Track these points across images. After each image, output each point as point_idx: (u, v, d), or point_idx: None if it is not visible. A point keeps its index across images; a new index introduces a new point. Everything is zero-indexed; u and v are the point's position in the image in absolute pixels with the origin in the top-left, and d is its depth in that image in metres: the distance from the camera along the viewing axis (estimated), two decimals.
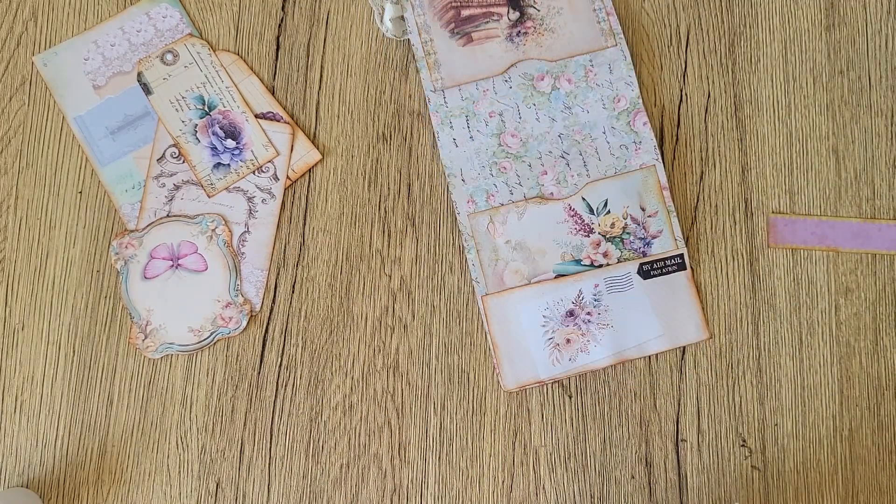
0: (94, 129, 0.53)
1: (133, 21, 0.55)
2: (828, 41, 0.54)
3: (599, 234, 0.51)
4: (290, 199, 0.53)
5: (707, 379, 0.50)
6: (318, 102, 0.54)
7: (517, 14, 0.54)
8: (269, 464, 0.50)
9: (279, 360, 0.51)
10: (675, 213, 0.51)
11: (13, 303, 0.52)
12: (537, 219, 0.52)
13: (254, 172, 0.53)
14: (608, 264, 0.51)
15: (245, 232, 0.52)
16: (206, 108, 0.53)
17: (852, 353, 0.50)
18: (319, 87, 0.54)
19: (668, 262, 0.51)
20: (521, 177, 0.52)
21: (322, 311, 0.51)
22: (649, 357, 0.50)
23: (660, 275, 0.51)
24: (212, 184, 0.53)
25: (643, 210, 0.51)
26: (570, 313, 0.51)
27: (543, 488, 0.49)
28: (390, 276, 0.52)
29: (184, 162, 0.53)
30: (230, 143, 0.53)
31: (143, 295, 0.52)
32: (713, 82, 0.53)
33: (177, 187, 0.53)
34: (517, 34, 0.54)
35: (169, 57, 0.54)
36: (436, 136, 0.53)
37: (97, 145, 0.53)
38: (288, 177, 0.53)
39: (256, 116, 0.53)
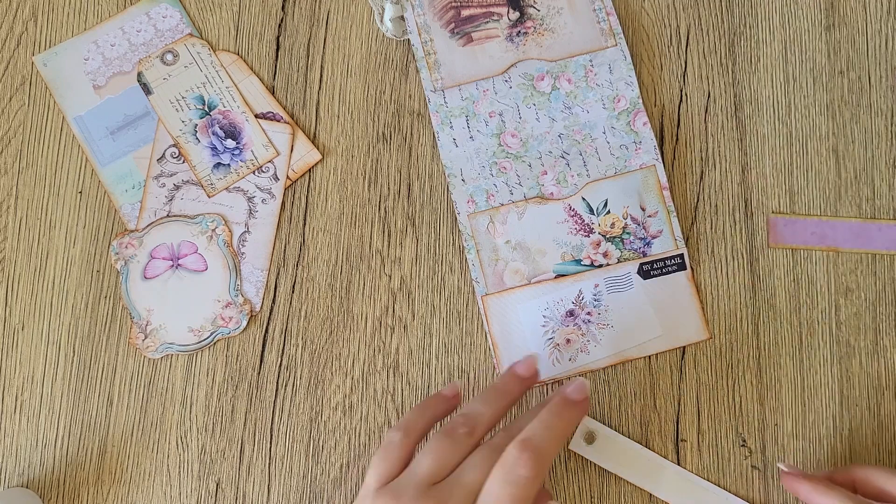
0: (94, 129, 0.53)
1: (133, 21, 0.55)
2: (828, 41, 0.54)
3: (599, 234, 0.51)
4: (290, 199, 0.53)
5: (707, 379, 0.50)
6: (318, 102, 0.54)
7: (517, 14, 0.54)
8: (269, 464, 0.50)
9: (279, 360, 0.51)
10: (675, 213, 0.51)
11: (13, 303, 0.52)
12: (537, 219, 0.52)
13: (254, 172, 0.53)
14: (608, 264, 0.51)
15: (245, 232, 0.52)
16: (206, 108, 0.53)
17: (852, 353, 0.50)
18: (319, 87, 0.54)
19: (668, 262, 0.51)
20: (521, 177, 0.52)
21: (322, 311, 0.51)
22: (649, 357, 0.50)
23: (660, 275, 0.51)
24: (212, 184, 0.53)
25: (643, 210, 0.51)
26: (570, 313, 0.51)
27: (543, 488, 0.49)
28: (390, 276, 0.52)
29: (184, 162, 0.53)
30: (230, 143, 0.53)
31: (143, 295, 0.52)
32: (713, 82, 0.53)
33: (177, 187, 0.53)
34: (517, 34, 0.54)
35: (169, 57, 0.54)
36: (436, 136, 0.53)
37: (97, 145, 0.53)
38: (288, 177, 0.53)
39: (256, 116, 0.53)
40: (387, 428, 0.50)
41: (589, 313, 0.50)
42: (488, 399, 0.43)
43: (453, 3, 0.54)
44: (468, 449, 0.40)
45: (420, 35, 0.54)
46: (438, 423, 0.45)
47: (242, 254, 0.52)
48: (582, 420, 0.44)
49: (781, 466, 0.46)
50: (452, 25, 0.54)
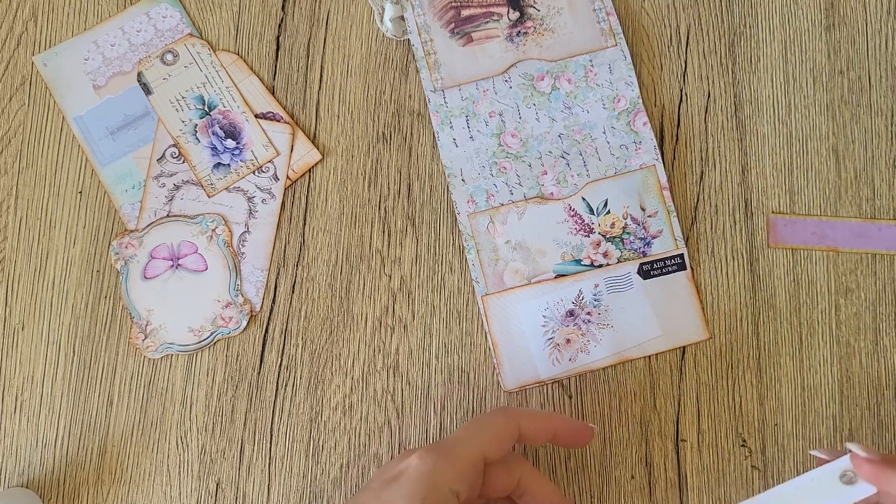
0: (94, 129, 0.53)
1: (133, 21, 0.55)
2: (828, 41, 0.54)
3: (599, 234, 0.51)
4: (290, 199, 0.53)
5: (707, 379, 0.50)
6: (318, 102, 0.54)
7: (517, 14, 0.54)
8: (269, 464, 0.50)
9: (279, 360, 0.51)
10: (675, 213, 0.51)
11: (13, 303, 0.52)
12: (537, 219, 0.52)
13: (254, 172, 0.53)
14: (608, 264, 0.51)
15: (245, 232, 0.52)
16: (206, 108, 0.53)
17: (852, 353, 0.50)
18: (319, 87, 0.54)
19: (668, 262, 0.51)
20: (521, 177, 0.52)
21: (322, 311, 0.51)
22: (649, 357, 0.50)
23: (660, 275, 0.51)
24: (212, 184, 0.53)
25: (643, 210, 0.51)
26: (570, 313, 0.51)
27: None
28: (390, 276, 0.52)
29: (184, 162, 0.53)
30: (230, 143, 0.53)
31: (143, 295, 0.52)
32: (713, 82, 0.53)
33: (177, 187, 0.53)
34: (517, 34, 0.54)
35: (169, 57, 0.54)
36: (436, 136, 0.53)
37: (97, 145, 0.53)
38: (288, 177, 0.53)
39: (256, 116, 0.53)
40: (387, 428, 0.50)
41: (589, 313, 0.50)
42: None
43: (453, 3, 0.54)
44: None
45: (420, 35, 0.54)
46: None
47: (242, 254, 0.52)
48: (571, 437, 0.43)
49: (853, 448, 0.38)
50: (452, 25, 0.54)
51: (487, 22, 0.54)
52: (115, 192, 0.53)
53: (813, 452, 0.41)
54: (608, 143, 0.52)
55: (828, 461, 0.39)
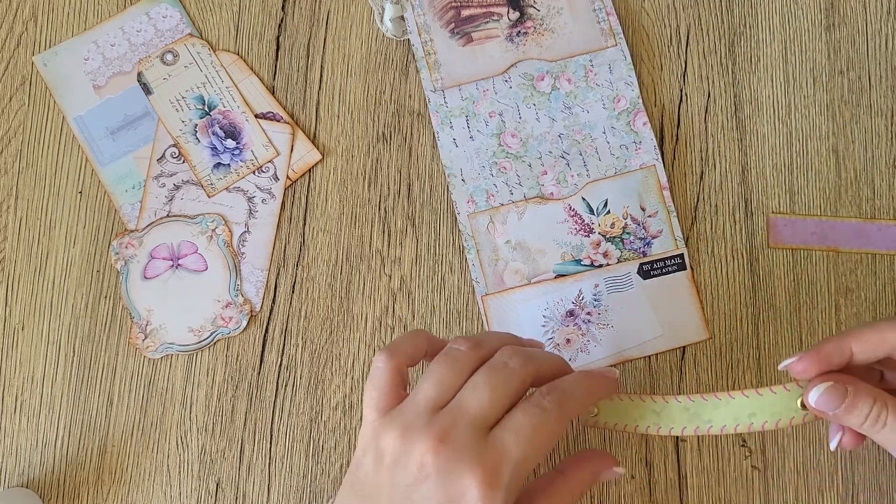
0: (94, 129, 0.53)
1: (133, 21, 0.55)
2: (828, 41, 0.54)
3: (599, 234, 0.51)
4: (290, 199, 0.53)
5: (707, 379, 0.50)
6: (318, 102, 0.54)
7: (517, 14, 0.54)
8: (269, 464, 0.50)
9: (279, 360, 0.51)
10: (675, 213, 0.51)
11: (13, 303, 0.52)
12: (537, 219, 0.52)
13: (254, 172, 0.53)
14: (608, 264, 0.51)
15: (245, 232, 0.52)
16: (206, 108, 0.53)
17: None
18: (319, 87, 0.54)
19: (668, 262, 0.51)
20: (521, 177, 0.52)
21: (322, 311, 0.51)
22: (649, 357, 0.50)
23: (660, 275, 0.51)
24: (212, 184, 0.53)
25: (643, 210, 0.51)
26: (570, 313, 0.51)
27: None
28: (390, 276, 0.52)
29: (184, 162, 0.53)
30: (230, 143, 0.53)
31: (143, 295, 0.52)
32: (713, 82, 0.53)
33: (177, 187, 0.53)
34: (517, 34, 0.54)
35: (169, 57, 0.54)
36: (436, 136, 0.53)
37: (97, 145, 0.53)
38: (288, 177, 0.53)
39: (256, 116, 0.53)
40: None
41: (589, 313, 0.50)
42: (500, 332, 0.42)
43: (453, 3, 0.54)
44: (472, 367, 0.38)
45: (420, 35, 0.54)
46: None
47: (242, 254, 0.52)
48: (607, 396, 0.41)
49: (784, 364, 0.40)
50: (452, 25, 0.54)
51: (487, 22, 0.54)
52: (115, 192, 0.53)
53: (782, 365, 0.41)
54: (608, 143, 0.52)
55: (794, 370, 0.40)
